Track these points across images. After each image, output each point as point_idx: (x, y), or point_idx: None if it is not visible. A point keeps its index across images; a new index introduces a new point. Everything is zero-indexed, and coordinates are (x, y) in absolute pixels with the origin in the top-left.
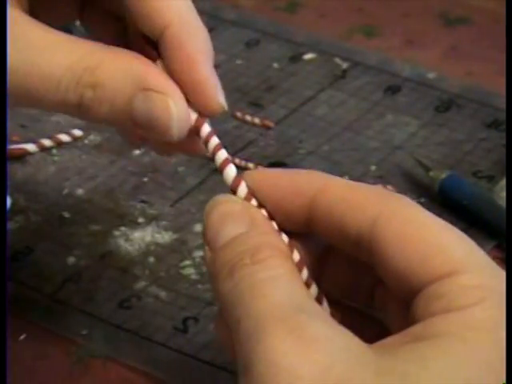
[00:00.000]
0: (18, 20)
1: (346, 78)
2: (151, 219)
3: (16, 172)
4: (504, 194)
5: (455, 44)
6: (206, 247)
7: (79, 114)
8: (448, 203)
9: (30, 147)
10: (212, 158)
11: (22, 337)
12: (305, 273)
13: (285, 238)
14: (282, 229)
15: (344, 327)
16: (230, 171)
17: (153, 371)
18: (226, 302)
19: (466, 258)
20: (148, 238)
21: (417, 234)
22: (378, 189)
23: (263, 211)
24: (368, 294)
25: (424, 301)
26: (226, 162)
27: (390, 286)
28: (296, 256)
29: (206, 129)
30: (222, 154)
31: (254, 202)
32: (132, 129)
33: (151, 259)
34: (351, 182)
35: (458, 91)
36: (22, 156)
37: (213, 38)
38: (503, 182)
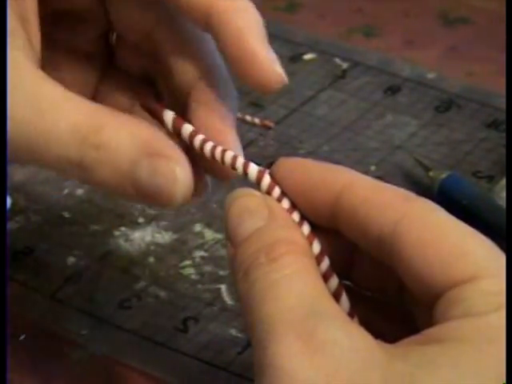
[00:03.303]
0: (27, 71)
1: (345, 78)
2: (151, 219)
3: (16, 172)
4: (504, 194)
5: (455, 44)
6: (229, 243)
7: (79, 174)
8: (448, 203)
9: None
10: (233, 164)
11: (21, 337)
12: (324, 265)
13: (306, 228)
14: (305, 219)
15: (357, 325)
16: (253, 165)
17: (153, 371)
18: (244, 305)
19: (487, 262)
20: (148, 238)
21: (439, 238)
22: (402, 191)
23: (286, 201)
24: (398, 291)
25: (444, 305)
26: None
27: (411, 289)
28: (316, 247)
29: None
30: (254, 168)
31: (277, 191)
32: (131, 196)
33: (151, 259)
34: (378, 182)
35: (458, 91)
36: None
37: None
38: (503, 182)
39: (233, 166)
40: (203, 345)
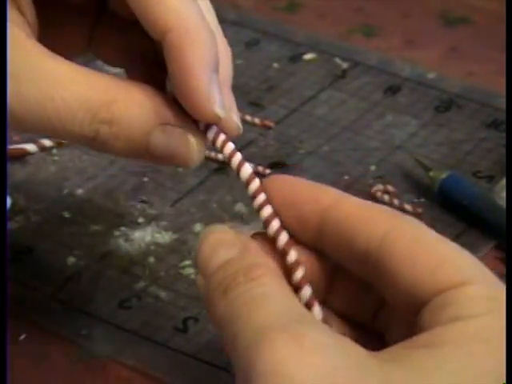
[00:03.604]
0: (31, 49)
1: (345, 78)
2: (151, 219)
3: (16, 172)
4: (504, 194)
5: (455, 44)
6: (199, 275)
7: (94, 147)
8: (448, 203)
9: (30, 147)
10: (237, 172)
11: (22, 337)
12: (307, 291)
13: (293, 254)
14: (294, 241)
15: (344, 336)
16: (255, 183)
17: (153, 371)
18: (221, 321)
19: (472, 270)
20: (148, 238)
21: (426, 248)
22: (387, 208)
23: (277, 220)
24: (372, 313)
25: (431, 310)
26: (252, 177)
27: (393, 303)
28: (299, 273)
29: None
30: (248, 169)
31: (269, 209)
32: (148, 160)
33: (151, 259)
34: (362, 201)
35: (458, 91)
36: (22, 156)
37: None
38: (503, 182)
39: (229, 161)
40: (203, 345)
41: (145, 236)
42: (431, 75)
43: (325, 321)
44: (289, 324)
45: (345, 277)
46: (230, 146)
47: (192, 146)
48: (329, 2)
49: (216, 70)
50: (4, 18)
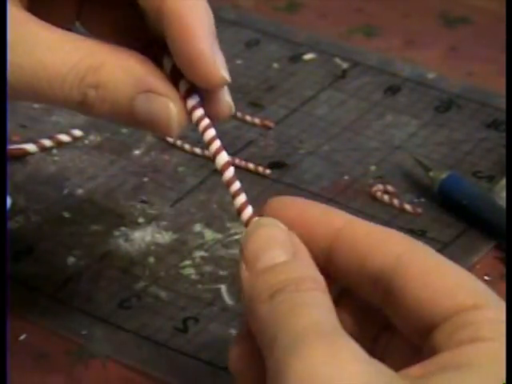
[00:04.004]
0: (22, 19)
1: (345, 78)
2: (151, 219)
3: (16, 172)
4: (504, 194)
5: (455, 44)
6: (243, 265)
7: (82, 110)
8: (448, 203)
9: (30, 147)
10: (213, 159)
11: (22, 337)
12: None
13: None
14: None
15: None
16: (247, 211)
17: (153, 371)
18: (262, 322)
19: (484, 294)
20: (148, 238)
21: (439, 271)
22: (398, 232)
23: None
24: (372, 337)
25: (449, 329)
26: (244, 204)
27: (400, 325)
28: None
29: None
30: (224, 157)
31: (237, 184)
32: (131, 126)
33: (151, 259)
34: (373, 224)
35: (458, 91)
36: (22, 156)
37: None
38: (503, 182)
39: (207, 147)
40: (203, 345)
41: (145, 236)
42: (431, 75)
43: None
44: (328, 332)
45: (349, 301)
46: (212, 132)
47: (173, 116)
48: (329, 1)
49: (215, 35)
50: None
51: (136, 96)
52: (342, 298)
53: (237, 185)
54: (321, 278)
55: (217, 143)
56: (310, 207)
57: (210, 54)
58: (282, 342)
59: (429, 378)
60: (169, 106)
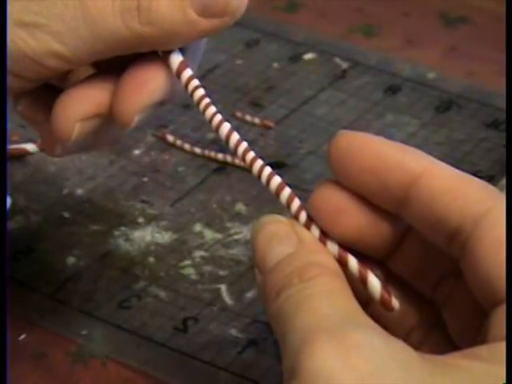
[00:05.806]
0: None
1: (345, 78)
2: (151, 219)
3: (16, 172)
4: (504, 194)
5: (455, 44)
6: (256, 270)
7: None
8: None
9: (30, 147)
10: (277, 194)
11: (21, 337)
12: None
13: (335, 247)
14: (328, 237)
15: (396, 338)
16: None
17: (153, 371)
18: (273, 322)
19: None
20: (148, 238)
21: None
22: (486, 185)
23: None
24: (434, 281)
25: (502, 317)
26: (281, 186)
27: (471, 287)
28: (353, 263)
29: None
30: (285, 190)
31: (304, 215)
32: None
33: (151, 259)
34: (458, 172)
35: (458, 91)
36: (22, 156)
37: (213, 38)
38: (503, 182)
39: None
40: (203, 345)
41: (145, 236)
42: (431, 75)
43: (384, 286)
44: (335, 325)
45: (412, 243)
46: (201, 92)
47: None
48: (329, 1)
49: None
50: (4, 18)
51: None
52: (409, 236)
53: (277, 179)
54: (327, 259)
55: (251, 154)
56: (382, 150)
57: None
58: (291, 339)
59: (452, 367)
60: None
